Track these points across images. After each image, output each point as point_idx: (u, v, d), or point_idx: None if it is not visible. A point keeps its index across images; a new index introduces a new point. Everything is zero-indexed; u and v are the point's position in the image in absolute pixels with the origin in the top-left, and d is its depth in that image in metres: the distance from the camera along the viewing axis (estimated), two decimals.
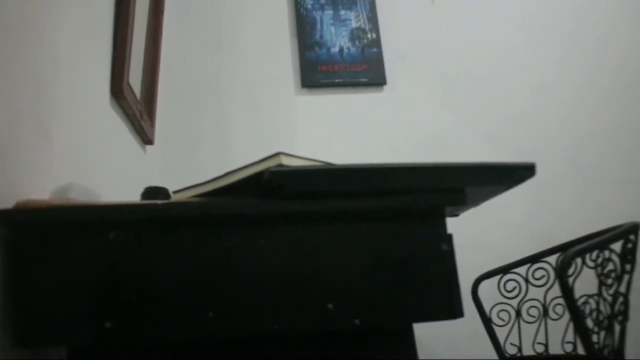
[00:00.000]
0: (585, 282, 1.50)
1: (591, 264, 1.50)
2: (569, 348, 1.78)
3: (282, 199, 0.71)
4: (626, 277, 1.54)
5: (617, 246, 1.54)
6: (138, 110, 1.69)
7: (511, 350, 1.87)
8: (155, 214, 0.72)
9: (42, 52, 0.97)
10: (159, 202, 0.74)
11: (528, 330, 1.87)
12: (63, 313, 0.68)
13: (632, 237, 1.57)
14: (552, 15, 3.03)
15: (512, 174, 0.76)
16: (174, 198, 0.84)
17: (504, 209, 2.36)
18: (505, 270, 1.89)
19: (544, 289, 1.81)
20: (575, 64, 2.96)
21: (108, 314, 0.68)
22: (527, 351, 1.87)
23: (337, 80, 2.69)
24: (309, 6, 2.80)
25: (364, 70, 2.74)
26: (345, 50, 2.75)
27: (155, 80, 2.00)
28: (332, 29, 2.79)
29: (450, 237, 0.75)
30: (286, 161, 0.71)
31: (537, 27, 3.00)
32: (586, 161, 2.79)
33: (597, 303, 1.51)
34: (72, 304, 0.68)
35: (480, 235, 2.42)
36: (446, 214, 0.77)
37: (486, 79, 2.85)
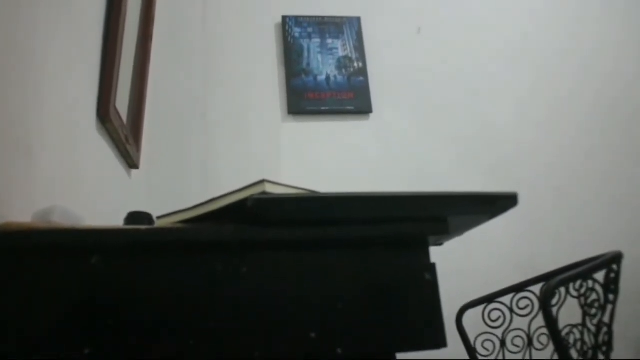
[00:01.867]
0: (569, 312, 1.51)
1: (575, 293, 1.50)
2: None
3: (265, 226, 0.71)
4: (609, 307, 1.55)
5: (600, 275, 1.55)
6: (124, 134, 1.69)
7: None
8: (139, 240, 0.71)
9: (27, 73, 0.97)
10: (143, 227, 0.73)
11: None
12: (42, 338, 0.67)
13: (614, 266, 1.58)
14: (533, 42, 3.10)
15: (495, 204, 0.77)
16: (158, 224, 0.84)
17: (488, 236, 2.37)
18: (489, 299, 1.89)
19: (528, 318, 1.81)
20: (557, 90, 3.01)
21: (87, 340, 0.67)
22: None
23: (323, 108, 2.72)
24: (297, 34, 2.84)
25: (350, 98, 2.76)
26: (332, 78, 2.78)
27: (142, 104, 2.00)
28: (319, 57, 2.82)
29: (433, 266, 0.75)
30: (270, 189, 0.71)
31: (518, 54, 3.06)
32: (568, 186, 2.82)
33: (582, 333, 1.51)
34: (50, 330, 0.67)
35: (464, 263, 2.42)
36: (430, 243, 0.77)
37: (470, 108, 2.89)
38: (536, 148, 2.88)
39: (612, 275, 1.57)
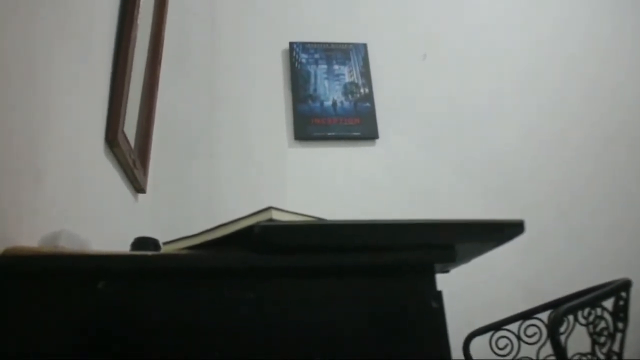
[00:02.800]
0: (578, 340, 1.49)
1: (583, 321, 1.49)
2: None
3: (272, 253, 0.71)
4: (619, 335, 1.53)
5: (609, 303, 1.54)
6: (132, 159, 1.70)
7: None
8: (145, 265, 0.71)
9: (36, 97, 0.98)
10: (149, 253, 0.74)
11: None
12: None
13: (623, 294, 1.57)
14: (538, 68, 3.12)
15: (501, 231, 0.76)
16: (164, 249, 0.84)
17: (495, 262, 2.35)
18: (496, 327, 1.87)
19: (536, 346, 1.79)
20: (563, 115, 3.02)
21: None
22: None
23: (329, 134, 2.73)
24: (304, 60, 2.86)
25: (356, 124, 2.78)
26: (339, 104, 2.80)
27: (150, 129, 2.02)
28: (326, 83, 2.84)
29: (440, 293, 0.75)
30: (277, 216, 0.71)
31: (523, 81, 3.08)
32: (575, 211, 2.81)
33: None
34: (56, 354, 0.67)
35: (471, 290, 2.40)
36: (436, 270, 0.77)
37: (476, 132, 2.90)
38: (542, 173, 2.87)
39: (621, 303, 1.56)
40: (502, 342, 1.84)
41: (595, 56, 3.23)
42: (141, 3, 1.73)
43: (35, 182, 0.96)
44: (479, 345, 1.89)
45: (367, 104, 2.83)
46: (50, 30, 1.05)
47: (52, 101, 1.06)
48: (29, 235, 0.88)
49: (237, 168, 2.61)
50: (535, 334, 1.80)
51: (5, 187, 0.84)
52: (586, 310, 1.49)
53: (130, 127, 1.71)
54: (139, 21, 1.70)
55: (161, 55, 2.20)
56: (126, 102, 1.56)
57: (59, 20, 1.10)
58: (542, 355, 1.80)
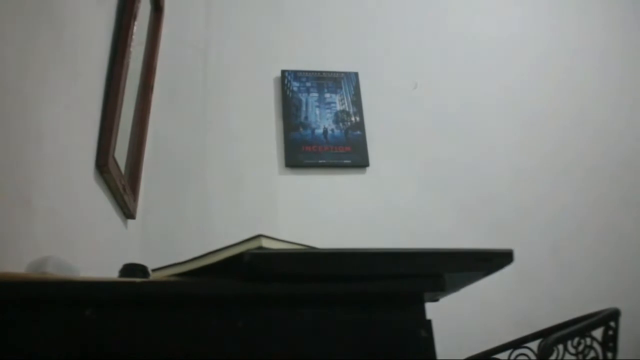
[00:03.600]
0: None
1: (573, 350, 1.48)
2: None
3: (261, 281, 0.71)
4: None
5: (598, 333, 1.53)
6: (122, 184, 1.69)
7: None
8: (133, 292, 0.71)
9: (27, 122, 0.98)
10: (137, 280, 0.73)
11: None
12: None
13: (612, 323, 1.56)
14: (531, 99, 3.16)
15: (491, 261, 0.77)
16: (153, 276, 0.84)
17: (485, 291, 2.35)
18: (486, 355, 1.86)
19: None
20: (551, 147, 3.05)
21: None
22: None
23: (320, 161, 2.74)
24: (295, 88, 2.89)
25: (347, 151, 2.79)
26: (330, 132, 2.82)
27: (140, 155, 2.02)
28: (317, 111, 2.86)
29: (429, 323, 0.75)
30: (267, 244, 0.71)
31: (516, 111, 3.11)
32: (565, 244, 2.82)
33: None
34: None
35: (461, 319, 2.39)
36: (425, 299, 0.77)
37: (466, 163, 2.92)
38: (533, 204, 2.89)
39: (610, 332, 1.55)
40: None
41: (587, 83, 3.28)
42: (134, 30, 1.74)
43: (23, 207, 0.96)
44: None
45: (358, 132, 2.85)
46: (44, 54, 1.06)
47: (43, 126, 1.06)
48: (16, 261, 0.88)
49: (228, 194, 2.61)
50: None
51: None
52: (575, 340, 1.48)
53: (121, 152, 1.71)
54: (132, 48, 1.71)
55: (153, 81, 2.21)
56: (117, 128, 1.56)
57: (52, 45, 1.11)
58: None
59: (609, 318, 1.55)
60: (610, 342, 1.54)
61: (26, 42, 0.96)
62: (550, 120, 3.13)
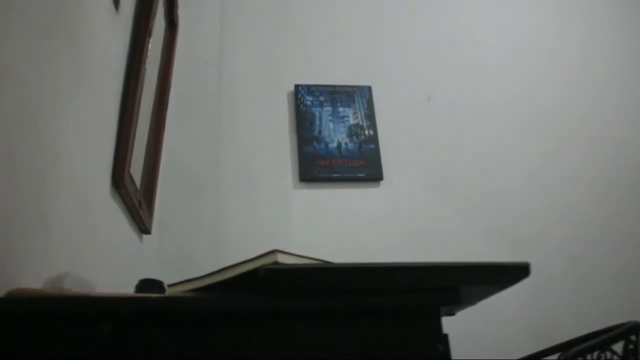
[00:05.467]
0: None
1: None
2: None
3: (277, 296, 0.71)
4: None
5: (619, 346, 1.51)
6: (137, 200, 1.70)
7: None
8: (149, 308, 0.71)
9: (44, 139, 0.99)
10: (154, 295, 0.74)
11: None
12: None
13: (633, 337, 1.54)
14: (543, 109, 3.14)
15: (507, 274, 0.76)
16: (169, 292, 0.84)
17: (502, 305, 2.32)
18: None
19: None
20: (567, 157, 3.03)
21: None
22: None
23: (334, 175, 2.74)
24: (309, 103, 2.90)
25: (361, 165, 2.79)
26: (343, 146, 2.82)
27: (156, 170, 2.03)
28: (331, 125, 2.87)
29: (445, 337, 0.74)
30: (282, 259, 0.71)
31: (531, 122, 3.09)
32: (582, 254, 2.79)
33: None
34: None
35: (477, 333, 2.37)
36: (441, 313, 0.76)
37: (481, 175, 2.90)
38: (549, 215, 2.86)
39: (631, 346, 1.53)
40: None
41: (610, 95, 3.25)
42: (149, 47, 1.76)
43: (40, 223, 0.97)
44: None
45: (372, 146, 2.85)
46: (60, 71, 1.07)
47: (60, 142, 1.07)
48: (34, 277, 0.88)
49: (243, 209, 2.61)
50: None
51: (11, 229, 0.84)
52: (595, 354, 1.46)
53: (136, 168, 1.72)
54: (146, 65, 1.73)
55: (168, 97, 2.23)
56: (133, 144, 1.58)
57: (69, 62, 1.12)
58: None
59: (630, 332, 1.53)
60: (631, 356, 1.52)
61: (43, 60, 0.98)
62: (567, 130, 3.11)
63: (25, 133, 0.90)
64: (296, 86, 2.94)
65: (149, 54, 1.76)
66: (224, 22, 3.02)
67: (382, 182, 2.79)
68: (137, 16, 1.74)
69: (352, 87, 3.00)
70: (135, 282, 0.97)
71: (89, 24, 1.26)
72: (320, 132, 2.84)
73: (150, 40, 1.78)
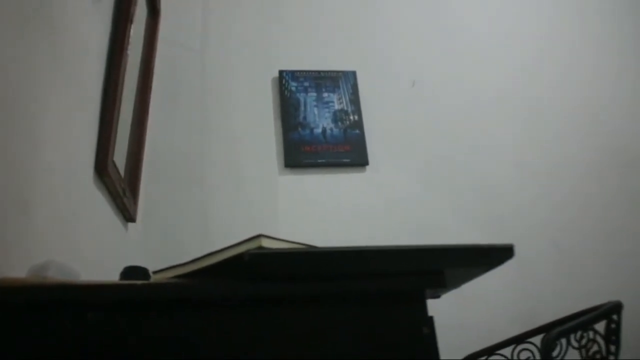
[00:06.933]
0: None
1: (576, 344, 1.48)
2: None
3: (262, 281, 0.71)
4: (612, 358, 1.53)
5: (601, 326, 1.54)
6: (121, 187, 1.69)
7: None
8: (134, 295, 0.71)
9: (25, 126, 0.98)
10: (138, 282, 0.73)
11: None
12: None
13: (614, 316, 1.57)
14: (530, 96, 3.15)
15: (491, 256, 0.77)
16: (154, 278, 0.84)
17: (487, 288, 2.35)
18: (489, 351, 1.86)
19: None
20: (553, 143, 3.05)
21: None
22: None
23: (320, 161, 2.73)
24: (293, 88, 2.88)
25: (346, 151, 2.79)
26: (328, 132, 2.82)
27: (140, 158, 2.02)
28: (316, 110, 2.86)
29: (431, 319, 0.75)
30: (267, 243, 0.71)
31: (513, 107, 3.11)
32: (566, 239, 2.82)
33: None
34: None
35: (462, 316, 2.39)
36: (427, 296, 0.77)
37: (466, 160, 2.91)
38: (533, 199, 2.89)
39: (613, 325, 1.56)
40: None
41: (597, 84, 3.27)
42: (131, 33, 1.74)
43: (23, 213, 0.96)
44: None
45: (357, 131, 2.85)
46: (41, 59, 1.06)
47: (41, 130, 1.06)
48: (18, 265, 0.88)
49: (228, 195, 2.61)
50: (528, 358, 1.79)
51: None
52: (578, 334, 1.49)
53: (120, 156, 1.71)
54: (129, 51, 1.71)
55: (151, 84, 2.21)
56: (116, 131, 1.56)
57: (49, 50, 1.11)
58: None
59: (611, 311, 1.56)
60: (612, 335, 1.54)
61: (23, 48, 0.96)
62: (550, 115, 3.12)
63: (5, 122, 0.89)
64: (280, 72, 2.93)
65: (130, 40, 1.74)
66: (206, 7, 2.99)
67: (367, 167, 2.80)
68: (118, 2, 1.72)
69: (337, 72, 2.99)
70: (120, 270, 0.97)
71: (68, 11, 1.24)
72: (305, 117, 2.83)
73: (132, 26, 1.76)
